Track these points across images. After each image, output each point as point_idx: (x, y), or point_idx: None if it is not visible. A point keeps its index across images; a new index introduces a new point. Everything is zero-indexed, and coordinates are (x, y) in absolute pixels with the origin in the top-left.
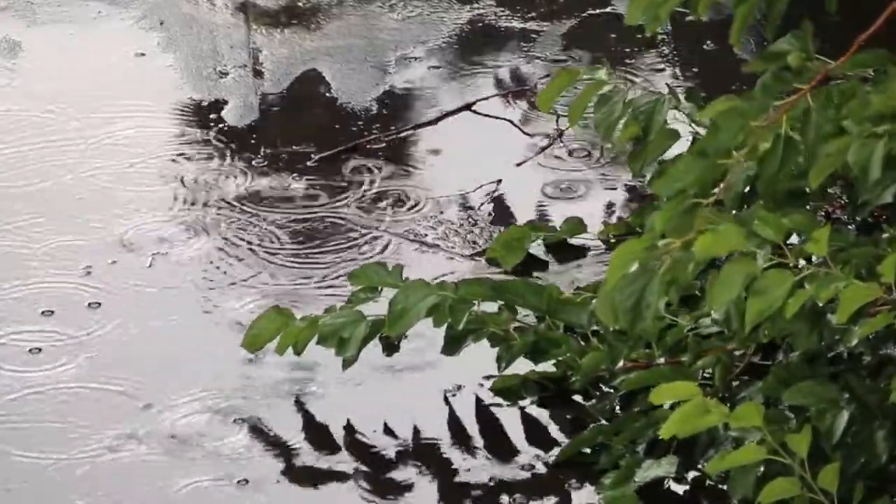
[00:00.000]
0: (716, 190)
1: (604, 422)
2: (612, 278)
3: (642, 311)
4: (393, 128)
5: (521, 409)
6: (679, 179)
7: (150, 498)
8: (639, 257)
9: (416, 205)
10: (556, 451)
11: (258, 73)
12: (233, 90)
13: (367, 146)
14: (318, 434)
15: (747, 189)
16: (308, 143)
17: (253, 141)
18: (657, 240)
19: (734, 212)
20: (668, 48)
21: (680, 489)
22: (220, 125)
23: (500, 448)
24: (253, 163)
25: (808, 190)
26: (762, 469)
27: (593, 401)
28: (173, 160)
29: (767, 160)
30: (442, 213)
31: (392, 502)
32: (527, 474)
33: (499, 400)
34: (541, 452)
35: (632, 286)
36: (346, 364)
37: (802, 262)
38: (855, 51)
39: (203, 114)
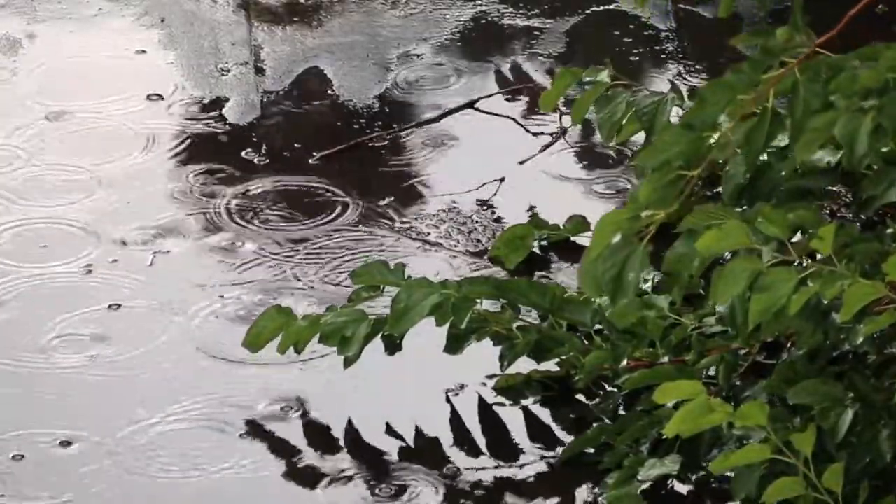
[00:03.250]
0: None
1: (607, 421)
2: (594, 249)
3: (624, 283)
4: (395, 125)
5: (524, 408)
6: (664, 151)
7: (150, 496)
8: (622, 228)
9: (418, 203)
10: (559, 450)
11: (260, 71)
12: (234, 87)
13: (370, 144)
14: (319, 434)
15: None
16: (310, 141)
17: (254, 138)
18: (641, 210)
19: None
20: (671, 45)
21: (683, 489)
22: (222, 123)
23: (503, 447)
24: (254, 160)
25: (810, 187)
26: (766, 468)
27: (596, 400)
28: (174, 158)
29: (754, 134)
30: (444, 211)
31: (394, 502)
32: (530, 474)
33: (501, 399)
34: (544, 452)
35: (614, 257)
36: (348, 363)
37: (808, 261)
38: (845, 25)
39: (204, 111)
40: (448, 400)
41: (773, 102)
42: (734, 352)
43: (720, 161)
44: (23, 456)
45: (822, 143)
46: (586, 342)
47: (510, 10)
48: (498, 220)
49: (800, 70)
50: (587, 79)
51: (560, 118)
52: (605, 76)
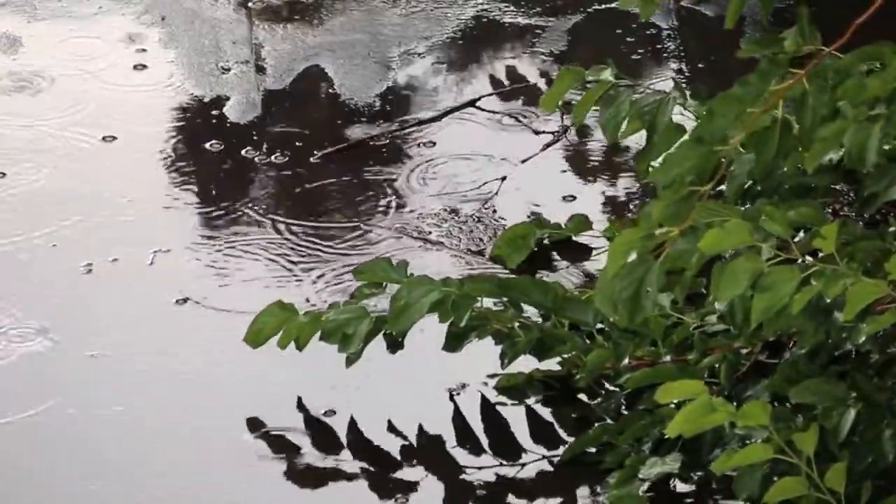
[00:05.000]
0: (718, 183)
1: (609, 420)
2: (611, 268)
3: (641, 301)
4: (396, 124)
5: (526, 407)
6: (676, 166)
7: (152, 497)
8: (637, 246)
9: (419, 202)
10: (560, 449)
11: (260, 69)
12: (235, 86)
13: (371, 143)
14: (321, 433)
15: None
16: (311, 140)
17: (255, 137)
18: (655, 228)
19: (737, 203)
20: (673, 44)
21: (685, 488)
22: (222, 121)
23: (505, 447)
24: (255, 159)
25: (813, 185)
26: (768, 468)
27: (598, 399)
28: (174, 157)
29: (764, 145)
30: (446, 210)
31: (396, 501)
32: (531, 473)
33: (503, 398)
34: (546, 451)
35: (630, 276)
36: (350, 361)
37: (809, 259)
38: (852, 33)
39: (205, 110)
40: (450, 399)
41: (782, 113)
42: (736, 351)
43: (722, 160)
44: None
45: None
46: (588, 341)
47: (511, 8)
48: (499, 218)
49: (808, 80)
50: (590, 78)
51: (562, 117)
52: (607, 75)
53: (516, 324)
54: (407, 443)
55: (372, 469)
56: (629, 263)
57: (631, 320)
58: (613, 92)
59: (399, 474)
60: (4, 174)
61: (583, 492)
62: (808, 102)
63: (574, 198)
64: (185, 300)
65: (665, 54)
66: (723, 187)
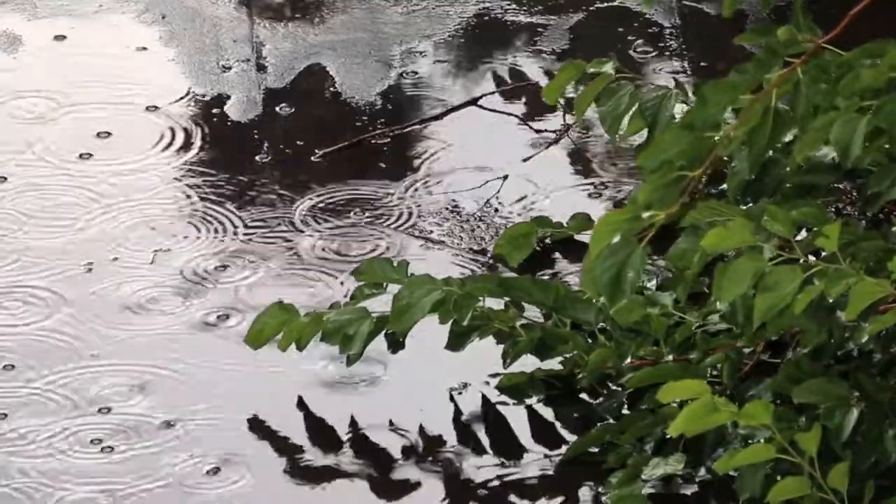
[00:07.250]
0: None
1: (611, 420)
2: (594, 250)
3: (622, 284)
4: (397, 123)
5: (528, 407)
6: (665, 151)
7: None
8: (621, 229)
9: (420, 201)
10: (562, 449)
11: (261, 68)
12: (236, 85)
13: (372, 141)
14: (322, 433)
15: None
16: (312, 139)
17: (256, 136)
18: (640, 211)
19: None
20: (676, 42)
21: (688, 488)
22: (223, 120)
23: (506, 446)
24: (256, 158)
25: (815, 184)
26: (771, 468)
27: (600, 399)
28: (174, 155)
29: (756, 134)
30: (447, 209)
31: (398, 501)
32: (533, 473)
33: (505, 398)
34: (547, 451)
35: (613, 258)
36: (351, 361)
37: (811, 258)
38: (847, 24)
39: (206, 109)
40: (451, 398)
41: (776, 102)
42: (739, 350)
43: (724, 158)
44: None
45: (826, 141)
46: (590, 340)
47: (513, 6)
48: (501, 217)
49: (802, 70)
50: (591, 70)
51: (564, 116)
52: (609, 68)
53: (518, 323)
54: (407, 443)
55: (372, 469)
56: (612, 245)
57: (612, 303)
58: (614, 85)
59: (399, 474)
60: (6, 178)
61: (584, 492)
62: (802, 91)
63: (576, 196)
64: (186, 294)
65: (667, 52)
66: (724, 186)
